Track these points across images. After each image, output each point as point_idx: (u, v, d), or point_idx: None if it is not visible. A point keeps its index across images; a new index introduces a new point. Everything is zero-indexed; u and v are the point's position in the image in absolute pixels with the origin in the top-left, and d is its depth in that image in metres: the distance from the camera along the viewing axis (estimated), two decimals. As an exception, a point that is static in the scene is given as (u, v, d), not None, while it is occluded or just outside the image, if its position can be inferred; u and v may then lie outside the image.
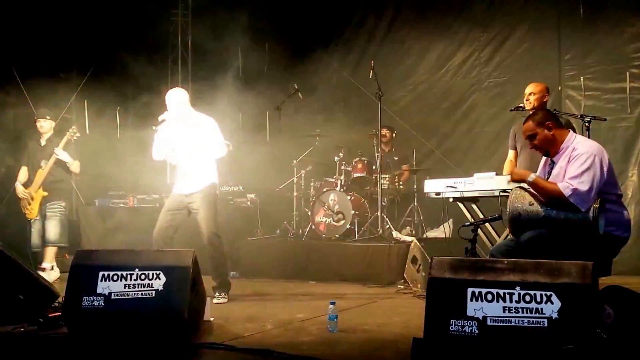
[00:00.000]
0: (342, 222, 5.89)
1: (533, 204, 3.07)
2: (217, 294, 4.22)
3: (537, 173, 3.38)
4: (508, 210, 3.13)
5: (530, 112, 4.07)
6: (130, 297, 2.99)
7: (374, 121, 6.08)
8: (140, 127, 6.69)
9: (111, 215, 6.50)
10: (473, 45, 6.77)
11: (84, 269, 3.09)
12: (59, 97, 6.50)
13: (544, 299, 2.25)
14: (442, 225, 5.87)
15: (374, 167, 6.21)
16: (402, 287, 4.97)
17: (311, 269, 5.57)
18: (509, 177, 3.98)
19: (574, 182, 2.98)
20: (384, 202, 5.94)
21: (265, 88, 7.11)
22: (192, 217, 4.32)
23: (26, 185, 5.40)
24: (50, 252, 5.32)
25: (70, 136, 5.32)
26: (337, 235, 5.88)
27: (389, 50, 7.20)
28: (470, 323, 2.31)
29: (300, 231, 6.21)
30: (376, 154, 6.06)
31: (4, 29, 6.13)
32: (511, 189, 3.28)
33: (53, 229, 5.31)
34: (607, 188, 3.04)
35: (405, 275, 5.09)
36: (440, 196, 4.51)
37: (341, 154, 6.23)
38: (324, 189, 6.18)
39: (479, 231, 4.00)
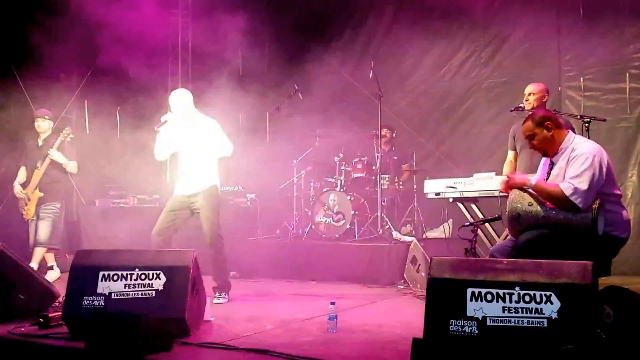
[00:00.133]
0: (342, 222, 5.90)
1: (532, 204, 3.07)
2: (217, 294, 4.23)
3: (537, 174, 3.39)
4: (507, 210, 3.14)
5: (530, 113, 4.08)
6: (130, 297, 3.00)
7: (374, 121, 6.08)
8: (140, 127, 6.70)
9: (112, 215, 6.51)
10: (473, 46, 6.77)
11: (84, 268, 3.10)
12: (59, 97, 6.50)
13: (544, 299, 2.25)
14: (441, 226, 5.88)
15: (373, 168, 6.21)
16: (402, 287, 4.97)
17: (311, 269, 5.57)
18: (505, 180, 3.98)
19: (575, 182, 2.98)
20: (384, 203, 5.95)
21: (265, 88, 7.12)
22: (193, 217, 4.32)
23: (24, 185, 5.39)
24: (39, 253, 5.28)
25: (64, 137, 5.31)
26: (337, 236, 5.88)
27: (389, 50, 7.20)
28: (470, 323, 2.32)
29: (300, 231, 6.21)
30: (376, 154, 6.06)
31: (4, 29, 6.13)
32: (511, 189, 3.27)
33: (43, 230, 5.29)
34: (607, 188, 3.05)
35: (405, 276, 5.09)
36: (440, 196, 4.51)
37: (341, 154, 6.23)
38: (324, 189, 6.18)
39: (479, 231, 4.00)
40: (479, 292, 2.34)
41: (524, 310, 2.27)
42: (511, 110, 4.66)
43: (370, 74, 5.90)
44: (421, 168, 6.41)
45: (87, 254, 3.26)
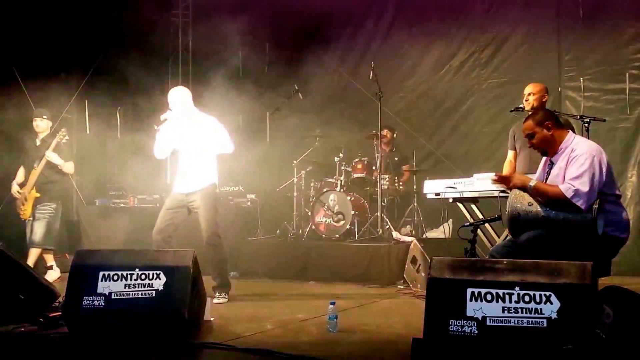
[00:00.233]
0: (342, 222, 5.90)
1: (532, 204, 3.08)
2: (217, 294, 4.22)
3: (537, 173, 3.40)
4: (507, 210, 3.14)
5: (530, 113, 4.08)
6: (130, 297, 2.99)
7: (374, 122, 6.08)
8: (140, 127, 6.71)
9: (112, 215, 6.51)
10: (473, 46, 6.78)
11: (84, 268, 3.10)
12: (59, 97, 6.50)
13: (544, 299, 2.26)
14: (441, 226, 5.89)
15: (373, 168, 6.21)
16: (402, 287, 4.97)
17: (311, 269, 5.57)
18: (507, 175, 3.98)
19: (576, 183, 2.99)
20: (384, 203, 5.95)
21: (266, 88, 7.12)
22: (192, 216, 4.32)
23: (22, 185, 5.39)
24: (34, 253, 5.26)
25: (60, 139, 5.29)
26: (337, 236, 5.89)
27: (389, 50, 7.21)
28: (469, 323, 2.32)
29: (300, 231, 6.21)
30: (376, 155, 6.07)
31: (4, 29, 6.13)
32: (510, 190, 3.28)
33: (38, 231, 5.27)
34: (606, 189, 3.05)
35: (405, 276, 5.09)
36: (439, 197, 4.51)
37: (341, 155, 6.24)
38: (324, 190, 6.19)
39: (479, 231, 4.00)
40: (479, 292, 2.34)
41: (524, 310, 2.27)
42: (511, 111, 4.66)
43: (371, 75, 5.91)
44: (421, 168, 6.42)
45: (87, 254, 3.26)
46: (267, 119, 6.97)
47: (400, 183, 6.35)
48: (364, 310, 4.04)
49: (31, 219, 5.33)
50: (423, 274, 4.72)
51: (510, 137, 4.77)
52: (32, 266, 5.15)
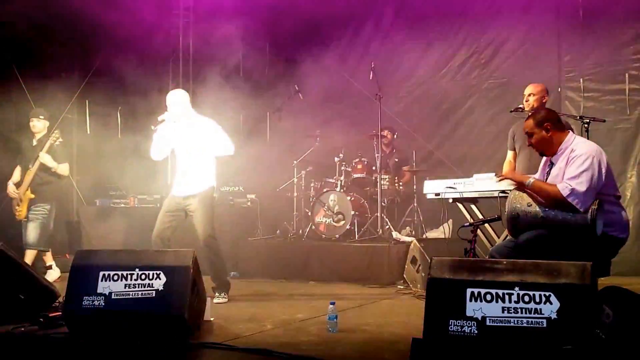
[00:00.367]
0: (342, 222, 5.90)
1: (532, 204, 3.08)
2: (217, 294, 4.23)
3: (537, 173, 3.40)
4: (507, 211, 3.15)
5: (529, 113, 4.08)
6: (130, 297, 3.00)
7: (374, 122, 6.09)
8: (141, 128, 6.71)
9: (112, 216, 6.51)
10: (473, 47, 6.78)
11: (84, 268, 3.10)
12: (60, 97, 6.51)
13: (543, 299, 2.26)
14: (441, 226, 5.89)
15: (373, 168, 6.22)
16: (402, 287, 4.98)
17: (311, 269, 5.58)
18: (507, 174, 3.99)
19: (573, 183, 2.99)
20: (384, 203, 5.95)
21: (266, 89, 7.13)
22: (189, 219, 4.32)
23: (18, 185, 5.38)
24: (29, 255, 5.24)
25: (53, 141, 5.27)
26: (337, 236, 5.89)
27: (389, 51, 7.20)
28: (469, 323, 2.32)
29: (300, 231, 6.22)
30: (376, 155, 6.07)
31: (5, 29, 6.14)
32: (510, 190, 3.29)
33: (32, 232, 5.26)
34: (606, 189, 3.06)
35: (404, 276, 5.10)
36: (439, 197, 4.51)
37: (341, 155, 6.24)
38: (324, 190, 6.19)
39: (479, 232, 4.01)
40: (479, 293, 2.35)
41: (524, 310, 2.28)
42: (511, 111, 4.67)
43: (371, 75, 5.91)
44: (421, 169, 6.42)
45: (87, 254, 3.27)
46: (267, 119, 6.98)
47: (400, 183, 6.35)
48: (364, 310, 4.04)
49: (26, 219, 5.32)
50: (423, 274, 4.72)
51: (510, 137, 4.77)
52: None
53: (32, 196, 5.30)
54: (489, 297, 2.33)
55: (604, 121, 4.51)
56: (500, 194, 4.02)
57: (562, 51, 6.23)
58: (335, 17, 7.51)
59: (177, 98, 4.32)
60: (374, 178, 6.18)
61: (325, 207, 6.01)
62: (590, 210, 2.95)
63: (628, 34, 5.91)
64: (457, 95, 6.85)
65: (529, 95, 4.44)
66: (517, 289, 2.31)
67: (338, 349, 2.84)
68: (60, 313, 3.20)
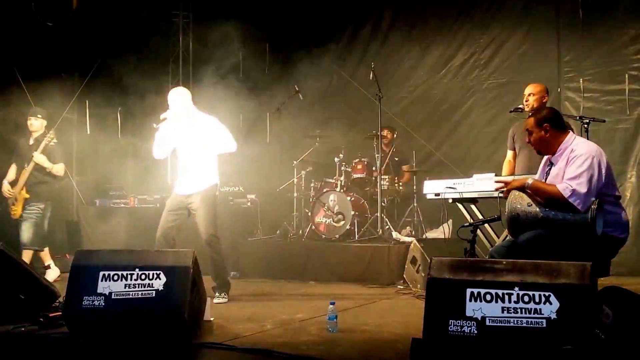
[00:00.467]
0: (342, 222, 5.90)
1: (531, 204, 3.08)
2: (217, 293, 4.23)
3: (537, 173, 3.41)
4: (507, 211, 3.15)
5: (529, 113, 4.09)
6: (130, 297, 3.00)
7: (374, 122, 6.09)
8: (141, 128, 6.72)
9: (112, 216, 6.52)
10: (473, 47, 6.78)
11: (84, 269, 3.10)
12: (60, 97, 6.51)
13: (543, 299, 2.26)
14: (441, 226, 5.89)
15: (373, 168, 6.22)
16: (402, 287, 4.98)
17: (311, 269, 5.58)
18: (507, 177, 3.99)
19: (573, 183, 2.99)
20: (384, 203, 5.96)
21: (266, 89, 7.13)
22: (192, 217, 4.33)
23: (13, 183, 5.36)
24: (25, 255, 5.22)
25: (48, 141, 5.25)
26: (337, 236, 5.89)
27: (389, 51, 7.21)
28: (469, 323, 2.33)
29: (300, 231, 6.22)
30: (376, 155, 6.07)
31: (6, 29, 6.14)
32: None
33: (25, 232, 5.24)
34: (606, 189, 3.06)
35: (404, 276, 5.10)
36: (439, 197, 4.51)
37: (341, 155, 6.25)
38: (324, 190, 6.19)
39: (478, 232, 4.01)
40: (478, 293, 2.35)
41: (523, 310, 2.28)
42: (510, 111, 4.67)
43: (371, 75, 5.91)
44: (421, 169, 6.42)
45: (87, 254, 3.27)
46: (267, 119, 6.98)
47: (400, 183, 6.36)
48: (363, 310, 4.04)
49: (21, 219, 5.31)
50: (423, 274, 4.72)
51: (509, 137, 4.78)
52: None
53: (27, 196, 5.28)
54: (488, 297, 2.33)
55: (604, 121, 4.51)
56: (500, 194, 4.02)
57: (561, 51, 6.23)
58: (336, 17, 7.52)
59: (178, 96, 4.32)
60: (373, 178, 6.18)
61: (325, 207, 6.01)
62: (590, 211, 2.96)
63: (628, 34, 5.92)
64: (457, 96, 6.85)
65: (529, 95, 4.44)
66: (516, 289, 2.31)
67: (338, 349, 2.84)
68: (60, 313, 3.20)
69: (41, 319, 3.23)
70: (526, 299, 2.28)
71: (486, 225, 4.35)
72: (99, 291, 3.01)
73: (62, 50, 6.70)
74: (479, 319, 2.32)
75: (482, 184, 4.27)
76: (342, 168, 6.21)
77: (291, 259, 5.73)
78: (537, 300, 2.27)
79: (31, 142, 5.43)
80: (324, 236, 5.98)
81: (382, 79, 6.02)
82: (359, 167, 6.25)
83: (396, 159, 6.65)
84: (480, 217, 4.40)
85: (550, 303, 2.25)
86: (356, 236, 5.77)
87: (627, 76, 5.85)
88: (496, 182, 3.46)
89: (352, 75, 7.29)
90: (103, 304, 2.99)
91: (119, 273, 3.04)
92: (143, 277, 3.03)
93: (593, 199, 2.98)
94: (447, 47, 6.92)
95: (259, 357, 2.67)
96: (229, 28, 6.51)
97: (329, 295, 4.34)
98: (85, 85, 7.08)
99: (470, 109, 6.79)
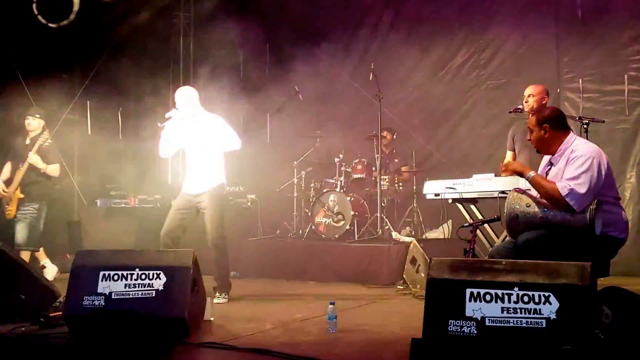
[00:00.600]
0: (342, 222, 5.91)
1: (530, 205, 3.09)
2: (217, 294, 4.24)
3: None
4: (506, 211, 3.15)
5: (529, 114, 4.10)
6: (130, 296, 3.01)
7: (374, 123, 6.09)
8: (141, 128, 6.72)
9: (113, 216, 6.52)
10: (472, 48, 6.78)
11: (84, 268, 3.11)
12: (61, 97, 6.51)
13: (542, 299, 2.27)
14: (441, 226, 5.90)
15: (373, 168, 6.23)
16: (402, 287, 4.98)
17: (311, 270, 5.58)
18: (506, 178, 4.00)
19: (572, 183, 3.00)
20: (384, 203, 5.96)
21: (266, 89, 7.14)
22: (200, 217, 4.34)
23: (8, 182, 5.34)
24: (23, 256, 5.10)
25: (42, 142, 5.22)
26: (336, 236, 5.90)
27: (388, 52, 7.21)
28: (468, 323, 2.33)
29: (300, 232, 6.23)
30: (376, 155, 6.08)
31: (7, 30, 6.14)
32: (509, 191, 3.30)
33: (21, 233, 5.21)
34: (605, 190, 3.06)
35: (404, 276, 5.10)
36: (439, 197, 4.52)
37: (341, 155, 6.25)
38: (324, 190, 6.20)
39: (478, 232, 4.01)
40: (478, 293, 2.35)
41: (523, 310, 2.28)
42: (510, 112, 4.68)
43: (370, 76, 5.92)
44: (421, 169, 6.43)
45: (87, 254, 3.28)
46: (267, 119, 6.98)
47: (400, 184, 6.36)
48: (363, 310, 4.05)
49: (16, 219, 5.30)
50: (422, 274, 4.73)
51: (509, 137, 4.79)
52: None
53: (21, 196, 5.25)
54: (488, 298, 2.34)
55: (603, 122, 4.52)
56: (500, 195, 4.02)
57: (561, 52, 6.23)
58: (336, 18, 7.53)
59: (184, 95, 4.33)
60: (373, 178, 6.19)
61: (325, 207, 6.02)
62: (589, 211, 2.96)
63: (627, 34, 5.92)
64: (457, 96, 6.86)
65: (529, 96, 4.45)
66: (516, 289, 2.31)
67: (338, 349, 2.84)
68: (60, 313, 3.21)
69: (42, 319, 3.23)
70: (526, 299, 2.29)
71: (486, 225, 4.35)
72: (99, 291, 3.02)
73: (64, 51, 6.70)
74: (479, 319, 2.32)
75: (482, 184, 4.28)
76: (342, 168, 6.22)
77: (291, 259, 5.73)
78: (536, 300, 2.27)
79: (27, 141, 5.41)
80: (323, 236, 5.99)
81: (381, 80, 6.02)
82: (359, 167, 6.26)
83: (395, 159, 6.66)
84: (480, 217, 4.41)
85: (550, 303, 2.25)
86: (356, 236, 5.77)
87: (626, 77, 5.85)
88: (502, 170, 3.46)
89: (352, 76, 7.29)
90: (103, 303, 3.00)
91: (119, 273, 3.05)
92: (143, 277, 3.04)
93: (590, 199, 2.98)
94: (446, 48, 6.92)
95: (259, 357, 2.67)
96: (229, 28, 6.52)
97: (328, 295, 4.34)
98: (87, 85, 7.09)
99: (470, 109, 6.79)
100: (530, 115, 3.36)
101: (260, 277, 5.62)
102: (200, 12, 7.52)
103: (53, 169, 5.35)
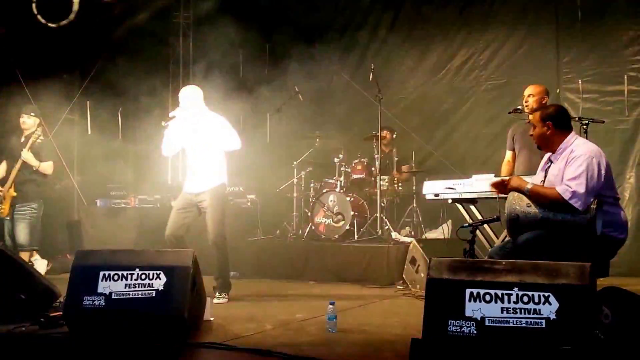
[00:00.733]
0: (342, 223, 5.91)
1: (531, 205, 3.09)
2: (217, 294, 4.24)
3: (537, 173, 3.42)
4: (506, 211, 3.16)
5: (529, 114, 4.10)
6: (130, 296, 3.01)
7: (374, 123, 6.10)
8: (141, 128, 6.72)
9: (113, 215, 6.52)
10: (472, 48, 6.79)
11: (85, 268, 3.11)
12: (61, 98, 6.51)
13: (542, 299, 2.27)
14: (441, 226, 5.90)
15: (373, 169, 6.23)
16: (401, 287, 4.98)
17: (311, 270, 5.59)
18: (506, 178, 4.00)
19: (572, 184, 3.00)
20: (383, 203, 5.97)
21: (266, 90, 7.14)
22: (202, 216, 4.34)
23: (3, 181, 5.29)
24: (23, 256, 5.08)
25: (34, 139, 5.20)
26: (336, 236, 5.90)
27: (388, 52, 7.22)
28: (468, 323, 2.33)
29: (300, 232, 6.23)
30: (375, 156, 6.08)
31: (7, 30, 6.14)
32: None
33: (22, 233, 5.18)
34: (605, 190, 3.07)
35: (404, 276, 5.11)
36: (439, 197, 4.52)
37: (341, 155, 6.26)
38: (324, 190, 6.20)
39: (478, 232, 4.01)
40: (478, 293, 2.36)
41: (523, 310, 2.28)
42: (509, 112, 4.68)
43: (370, 76, 5.92)
44: (420, 169, 6.43)
45: (87, 254, 3.27)
46: (267, 120, 6.99)
47: (400, 184, 6.36)
48: (363, 310, 4.05)
49: (8, 218, 5.24)
50: (422, 275, 4.73)
51: (509, 137, 4.79)
52: None
53: (14, 194, 5.22)
54: (488, 298, 2.34)
55: (603, 122, 4.52)
56: (500, 195, 4.03)
57: (560, 52, 6.24)
58: (336, 18, 7.53)
59: (188, 95, 4.34)
60: (373, 179, 6.19)
61: (325, 207, 6.02)
62: (589, 211, 2.97)
63: (626, 35, 5.93)
64: (456, 96, 6.86)
65: (529, 96, 4.46)
66: (516, 289, 2.32)
67: (338, 349, 2.84)
68: (60, 313, 3.20)
69: (42, 319, 3.23)
70: (525, 299, 2.29)
71: (485, 225, 4.35)
72: (99, 291, 3.02)
73: (64, 51, 6.70)
74: (479, 319, 2.32)
75: (482, 184, 4.27)
76: (342, 168, 6.22)
77: (291, 259, 5.73)
78: (536, 300, 2.27)
79: (22, 139, 5.40)
80: (323, 236, 5.99)
81: (381, 80, 6.03)
82: (359, 167, 6.26)
83: (395, 159, 6.66)
84: (480, 217, 4.41)
85: (550, 303, 2.25)
86: (355, 236, 5.78)
87: (625, 77, 5.86)
88: (492, 184, 3.43)
89: (352, 76, 7.30)
90: (103, 303, 3.00)
91: (120, 273, 3.05)
92: (143, 277, 3.04)
93: (592, 198, 2.99)
94: (446, 48, 6.93)
95: (259, 357, 2.67)
96: (228, 29, 6.52)
97: (328, 295, 4.35)
98: (86, 85, 7.09)
99: (470, 109, 6.80)
100: (530, 115, 3.36)
101: (260, 277, 5.62)
102: (200, 12, 7.51)
103: (46, 167, 5.29)
